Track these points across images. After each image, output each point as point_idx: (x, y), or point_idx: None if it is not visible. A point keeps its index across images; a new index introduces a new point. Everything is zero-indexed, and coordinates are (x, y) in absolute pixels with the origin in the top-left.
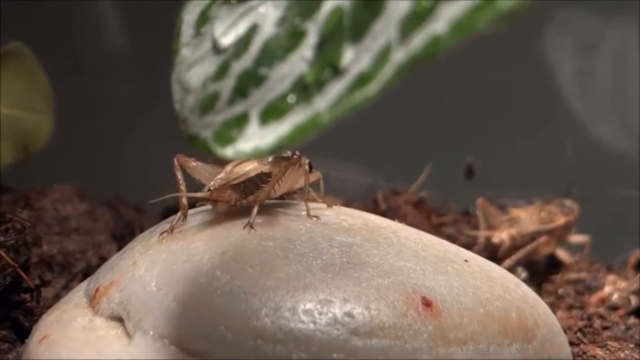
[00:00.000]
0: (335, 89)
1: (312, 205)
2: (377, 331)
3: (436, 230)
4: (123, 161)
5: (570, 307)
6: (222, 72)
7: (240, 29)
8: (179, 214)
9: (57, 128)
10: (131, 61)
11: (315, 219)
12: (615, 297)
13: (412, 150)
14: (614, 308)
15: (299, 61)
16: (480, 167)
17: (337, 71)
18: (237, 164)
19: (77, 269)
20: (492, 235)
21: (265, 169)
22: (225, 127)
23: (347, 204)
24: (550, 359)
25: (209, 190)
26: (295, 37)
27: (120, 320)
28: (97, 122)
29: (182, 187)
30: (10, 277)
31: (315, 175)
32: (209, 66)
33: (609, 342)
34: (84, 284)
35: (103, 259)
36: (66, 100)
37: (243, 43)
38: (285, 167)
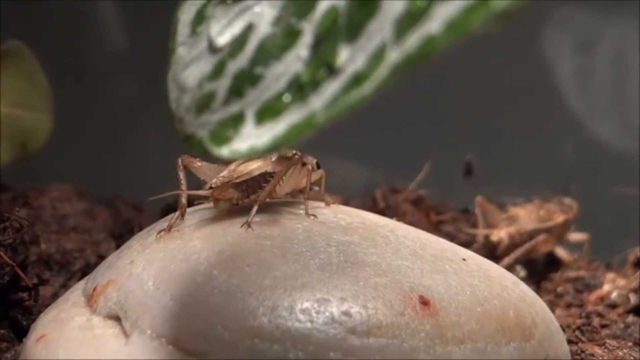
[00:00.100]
0: (331, 88)
1: (311, 204)
2: (375, 330)
3: (435, 228)
4: (122, 160)
5: (569, 305)
6: (218, 71)
7: (236, 28)
8: (177, 212)
9: (56, 127)
10: (130, 60)
11: (313, 217)
12: (614, 295)
13: (411, 148)
14: (613, 306)
15: (295, 60)
16: (479, 165)
17: (332, 71)
18: (241, 163)
19: (76, 267)
20: (491, 234)
21: (269, 168)
22: (221, 127)
23: (346, 202)
24: (548, 358)
25: (211, 188)
26: (290, 36)
27: (117, 319)
28: (96, 120)
29: (183, 187)
30: (8, 276)
31: (318, 174)
32: (205, 65)
33: (607, 341)
34: (82, 282)
35: (101, 258)
36: (65, 99)
37: (239, 42)
38: (287, 167)
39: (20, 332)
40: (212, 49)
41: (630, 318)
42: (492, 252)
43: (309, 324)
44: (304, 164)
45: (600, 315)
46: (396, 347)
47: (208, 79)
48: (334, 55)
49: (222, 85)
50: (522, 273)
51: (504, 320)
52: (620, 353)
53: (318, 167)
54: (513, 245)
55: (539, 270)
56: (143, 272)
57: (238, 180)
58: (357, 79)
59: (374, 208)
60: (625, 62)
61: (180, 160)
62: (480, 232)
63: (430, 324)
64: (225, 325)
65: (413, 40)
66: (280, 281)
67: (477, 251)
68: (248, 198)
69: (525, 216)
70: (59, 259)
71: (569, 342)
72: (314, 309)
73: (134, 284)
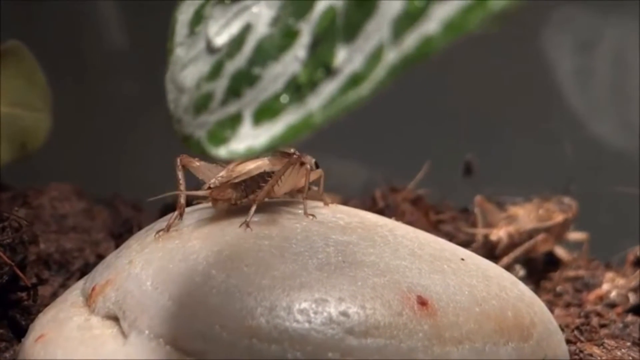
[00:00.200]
0: (328, 89)
1: (310, 203)
2: (373, 330)
3: (434, 227)
4: (121, 159)
5: (568, 305)
6: (215, 72)
7: (234, 28)
8: (175, 212)
9: (55, 126)
10: (130, 60)
11: (311, 217)
12: (613, 294)
13: (410, 147)
14: (612, 305)
15: (292, 61)
16: (479, 164)
17: (330, 71)
18: (240, 163)
19: (75, 267)
20: (490, 233)
21: (267, 168)
22: (219, 127)
23: (345, 202)
24: (547, 358)
25: (209, 188)
26: (288, 37)
27: (116, 319)
28: (95, 120)
29: (182, 187)
30: (7, 275)
31: (317, 173)
32: (203, 66)
33: (606, 340)
34: (81, 282)
35: (101, 257)
36: (64, 99)
37: (237, 43)
38: (285, 167)
39: (19, 332)
40: (210, 49)
41: (630, 317)
42: (491, 251)
43: (307, 324)
44: (302, 164)
45: (599, 314)
46: (394, 348)
47: (206, 80)
48: (332, 56)
49: (220, 85)
50: (522, 272)
51: (502, 321)
52: (619, 353)
53: (317, 166)
54: (512, 244)
55: (538, 270)
56: (141, 272)
57: (236, 180)
58: (355, 80)
59: (373, 207)
60: (625, 62)
61: (178, 160)
62: (480, 232)
63: (428, 324)
64: (223, 325)
65: (411, 40)
66: (279, 281)
67: (476, 250)
68: (247, 198)
69: (525, 215)
70: (58, 258)
71: (568, 341)
72: (312, 309)
73: (133, 284)
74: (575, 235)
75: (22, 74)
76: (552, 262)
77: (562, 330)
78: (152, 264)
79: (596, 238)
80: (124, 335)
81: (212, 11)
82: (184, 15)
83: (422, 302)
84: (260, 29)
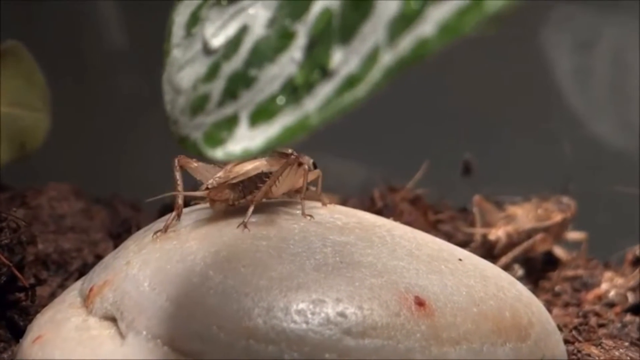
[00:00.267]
0: (324, 90)
1: (307, 204)
2: (370, 331)
3: (433, 227)
4: (120, 159)
5: (566, 305)
6: (212, 73)
7: (231, 30)
8: (173, 213)
9: (54, 126)
10: (129, 60)
11: (309, 218)
12: (612, 294)
13: (409, 147)
14: (611, 305)
15: (289, 62)
16: (478, 164)
17: (326, 73)
18: (237, 163)
19: (73, 267)
20: (488, 233)
21: (265, 168)
22: (215, 129)
23: (344, 202)
24: (545, 358)
25: (207, 189)
26: (285, 38)
27: (113, 320)
28: (94, 120)
29: (179, 187)
30: (5, 276)
31: (315, 173)
32: (200, 67)
33: (604, 340)
34: (79, 283)
35: (99, 257)
36: (63, 99)
37: (233, 44)
38: (283, 167)
39: (17, 333)
40: (207, 50)
41: (628, 317)
42: (489, 251)
43: (304, 325)
44: (300, 164)
45: (597, 314)
46: (391, 348)
47: (202, 81)
48: (328, 58)
49: (217, 87)
50: (520, 272)
51: (500, 321)
52: (617, 353)
53: (315, 166)
54: (511, 244)
55: (537, 269)
56: (139, 272)
57: (234, 181)
58: (351, 82)
59: (371, 207)
60: (624, 62)
61: (176, 161)
62: (478, 231)
63: (425, 324)
64: (220, 326)
65: (406, 42)
66: (276, 282)
67: (474, 250)
68: (244, 198)
69: (523, 215)
70: (57, 258)
71: (566, 341)
72: (309, 309)
73: (130, 284)
74: (574, 235)
75: (21, 74)
76: (550, 262)
77: (561, 330)
78: (149, 265)
79: (595, 238)
80: (122, 336)
81: (209, 13)
82: (180, 17)
83: (420, 303)
84: (256, 31)
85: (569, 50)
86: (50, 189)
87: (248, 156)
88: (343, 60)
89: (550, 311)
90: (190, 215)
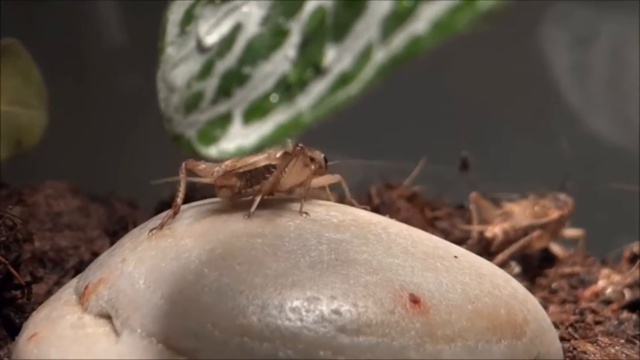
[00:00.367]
0: (318, 88)
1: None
2: (365, 328)
3: (430, 224)
4: (117, 156)
5: (563, 302)
6: (206, 71)
7: (224, 28)
8: (170, 211)
9: (51, 124)
10: (126, 58)
11: (305, 215)
12: (609, 290)
13: (406, 144)
14: (608, 302)
15: (282, 60)
16: (475, 161)
17: (319, 71)
18: (250, 155)
19: (70, 264)
20: (485, 230)
21: (275, 161)
22: (209, 127)
23: (341, 199)
24: (540, 356)
25: (213, 176)
26: (278, 36)
27: (108, 317)
28: (91, 118)
29: (181, 193)
30: (1, 274)
31: (335, 178)
32: (194, 65)
33: (599, 338)
34: (74, 280)
35: (95, 255)
36: (60, 96)
37: (227, 42)
38: (287, 160)
39: (13, 330)
40: (201, 48)
41: (625, 314)
42: (486, 248)
43: (298, 323)
44: (312, 159)
45: (594, 311)
46: (386, 346)
47: (196, 79)
48: (321, 55)
49: (211, 85)
50: (517, 269)
51: (495, 318)
52: (612, 350)
53: (326, 161)
54: (507, 241)
55: (534, 266)
56: (134, 270)
57: (241, 170)
58: (344, 79)
59: (368, 204)
60: (622, 58)
61: (184, 165)
62: (475, 228)
63: (420, 322)
64: (215, 324)
65: (399, 40)
66: (271, 279)
67: (471, 247)
68: (251, 188)
69: (520, 212)
70: (53, 256)
71: (562, 339)
72: (303, 307)
73: (125, 282)
74: (571, 232)
75: (18, 71)
76: (547, 259)
77: (557, 327)
78: (144, 263)
79: (592, 234)
80: (117, 333)
81: (203, 11)
82: (174, 15)
83: (415, 300)
84: (250, 29)
85: (566, 47)
86: (46, 186)
87: (242, 154)
88: (336, 58)
89: (547, 308)
90: (186, 213)
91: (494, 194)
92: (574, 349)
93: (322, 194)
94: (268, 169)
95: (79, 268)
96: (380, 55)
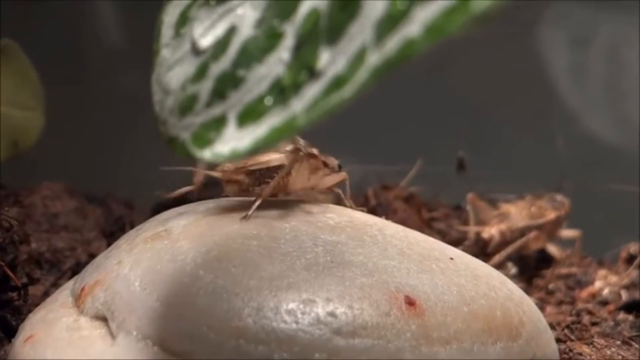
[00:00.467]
0: (312, 91)
1: (302, 204)
2: (360, 331)
3: (427, 225)
4: (114, 157)
5: (560, 303)
6: (200, 73)
7: (219, 30)
8: (190, 187)
9: (48, 125)
10: (123, 59)
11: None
12: (606, 291)
13: (402, 145)
14: (604, 303)
15: (277, 63)
16: (472, 161)
17: (313, 73)
18: (263, 154)
19: (66, 266)
20: (482, 231)
21: (286, 162)
22: (204, 129)
23: (338, 200)
24: (536, 357)
25: (223, 170)
26: (272, 38)
27: (104, 320)
28: (89, 119)
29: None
30: None
31: (340, 176)
32: (188, 67)
33: (596, 339)
34: (71, 282)
35: (92, 256)
36: (57, 97)
37: (221, 45)
38: (291, 163)
39: (10, 332)
40: (195, 51)
41: (621, 315)
42: (483, 249)
43: (294, 325)
44: (326, 165)
45: (590, 312)
46: (382, 348)
47: (191, 81)
48: (315, 58)
49: (205, 87)
50: (514, 270)
51: (491, 320)
52: (609, 352)
53: (340, 168)
54: (504, 242)
55: (531, 267)
56: (130, 272)
57: (252, 168)
58: (338, 82)
59: (365, 205)
60: (619, 58)
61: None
62: (472, 229)
63: (416, 324)
64: (210, 326)
65: (393, 43)
66: (266, 282)
67: (468, 248)
68: (259, 187)
69: (517, 213)
70: (50, 257)
71: (558, 340)
72: (299, 309)
73: (121, 284)
74: (567, 233)
75: (15, 72)
76: (544, 260)
77: (554, 328)
78: (140, 265)
79: (589, 235)
80: (112, 336)
81: (198, 13)
82: (169, 17)
83: (410, 302)
84: (244, 31)
85: (563, 47)
86: (43, 187)
87: (236, 157)
88: (330, 60)
89: (543, 309)
90: (182, 215)
91: (491, 195)
92: (570, 350)
93: (323, 196)
94: (278, 170)
95: (76, 269)
96: (374, 58)
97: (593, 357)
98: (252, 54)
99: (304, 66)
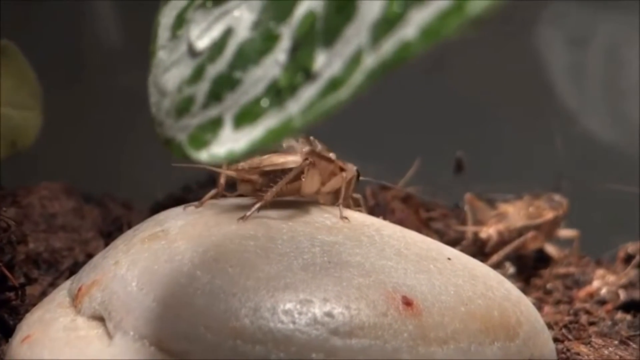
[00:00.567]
0: (308, 93)
1: (301, 203)
2: (357, 331)
3: (425, 225)
4: (112, 157)
5: (558, 302)
6: (197, 75)
7: (216, 32)
8: (215, 191)
9: (46, 124)
10: (121, 59)
11: (345, 220)
12: (603, 291)
13: (400, 145)
14: (602, 303)
15: (273, 65)
16: (470, 161)
17: (309, 75)
18: (280, 155)
19: (64, 266)
20: (480, 231)
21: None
22: (200, 131)
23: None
24: (533, 357)
25: (237, 170)
26: (269, 40)
27: (101, 320)
28: (87, 119)
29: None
30: None
31: (349, 175)
32: (185, 69)
33: (593, 339)
34: (68, 282)
35: (90, 256)
36: (55, 97)
37: (218, 46)
38: (298, 169)
39: (7, 332)
40: (192, 52)
41: (619, 315)
42: (481, 249)
43: (291, 325)
44: (342, 170)
45: (588, 312)
46: (379, 348)
47: (187, 83)
48: (311, 60)
49: (202, 89)
50: (511, 270)
51: (488, 320)
52: (606, 352)
53: (358, 175)
54: (502, 242)
55: (529, 267)
56: (127, 272)
57: (266, 169)
58: (334, 84)
59: (363, 205)
60: (618, 58)
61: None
62: (470, 229)
63: (413, 324)
64: (207, 326)
65: (389, 45)
66: (263, 282)
67: (466, 248)
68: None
69: (515, 213)
70: (48, 257)
71: (556, 340)
72: (296, 310)
73: (118, 284)
74: (565, 233)
75: (13, 72)
76: (542, 260)
77: (552, 328)
78: (137, 265)
79: (587, 235)
80: (109, 336)
81: (194, 15)
82: (166, 19)
83: (407, 302)
84: (241, 33)
85: (561, 47)
86: (41, 187)
87: (232, 158)
88: (326, 62)
89: (541, 309)
90: (179, 215)
91: (489, 195)
92: (567, 350)
93: (323, 197)
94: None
95: (74, 269)
96: (369, 61)
97: (591, 356)
98: (248, 55)
99: (300, 68)
